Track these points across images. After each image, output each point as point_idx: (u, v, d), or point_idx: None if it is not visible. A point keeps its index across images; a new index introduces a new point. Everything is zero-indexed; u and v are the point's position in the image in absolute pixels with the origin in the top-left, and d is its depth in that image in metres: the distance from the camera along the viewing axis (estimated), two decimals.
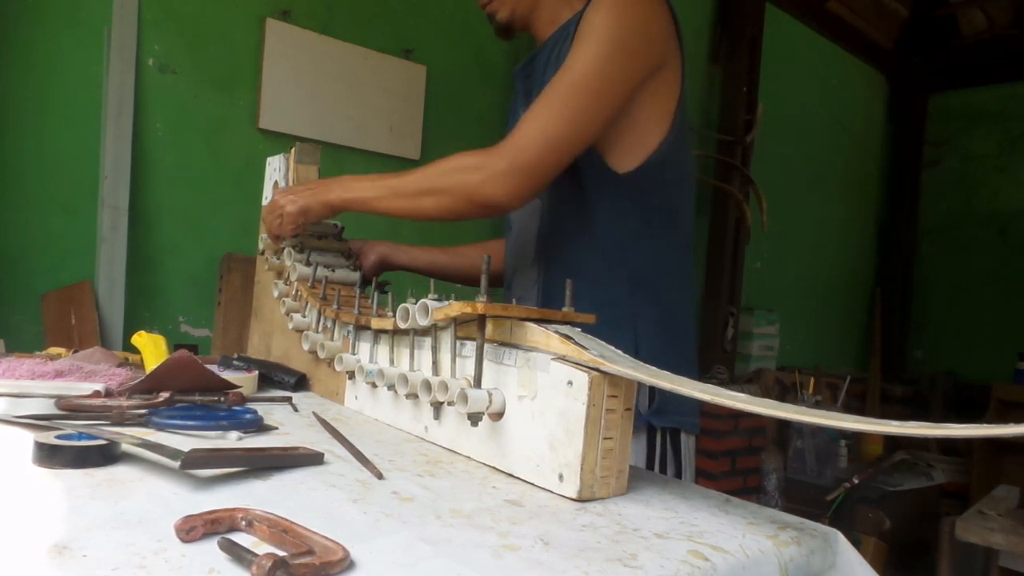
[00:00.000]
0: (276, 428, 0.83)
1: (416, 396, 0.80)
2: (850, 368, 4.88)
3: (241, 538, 0.48)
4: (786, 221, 4.45)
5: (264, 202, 1.30)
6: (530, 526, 0.56)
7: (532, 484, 0.68)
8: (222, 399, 0.89)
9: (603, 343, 0.69)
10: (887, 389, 4.98)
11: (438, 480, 0.67)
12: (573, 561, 0.50)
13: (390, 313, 0.88)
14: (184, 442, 0.71)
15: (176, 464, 0.59)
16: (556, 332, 0.68)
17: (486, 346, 0.72)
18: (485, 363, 0.72)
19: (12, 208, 2.02)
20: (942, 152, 5.49)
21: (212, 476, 0.62)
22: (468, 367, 0.74)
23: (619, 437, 0.65)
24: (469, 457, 0.76)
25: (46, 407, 0.83)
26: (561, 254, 1.10)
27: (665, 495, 0.68)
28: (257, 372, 1.06)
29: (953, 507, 3.29)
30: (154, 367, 0.91)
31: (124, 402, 0.83)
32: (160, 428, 0.77)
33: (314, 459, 0.69)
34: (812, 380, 3.81)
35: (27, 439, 0.66)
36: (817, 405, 3.32)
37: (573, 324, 0.73)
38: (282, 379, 1.09)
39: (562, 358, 0.66)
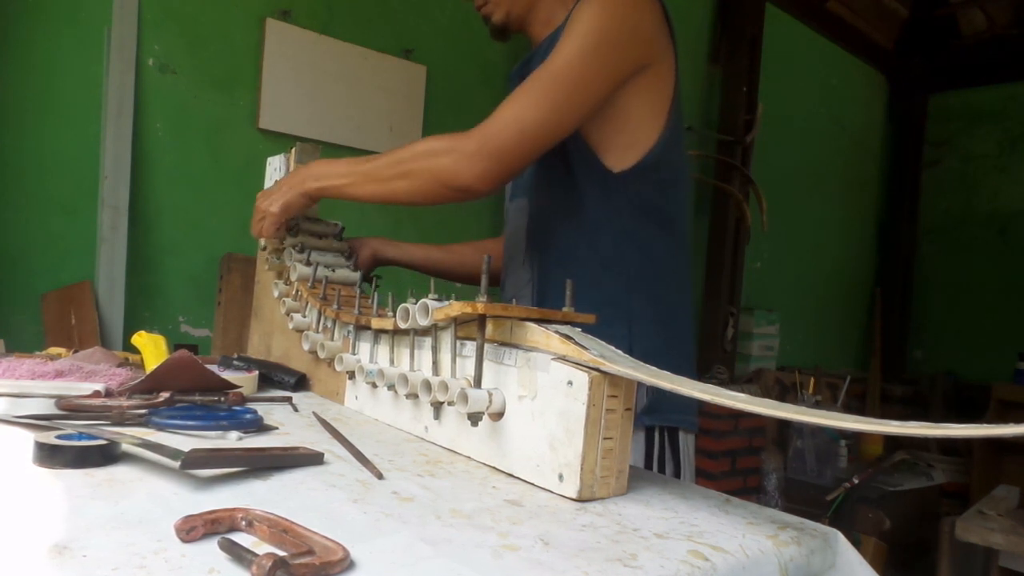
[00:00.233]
0: (276, 428, 0.83)
1: (416, 396, 0.80)
2: (850, 368, 4.88)
3: (241, 538, 0.48)
4: (786, 221, 4.45)
5: None
6: (530, 526, 0.56)
7: (532, 484, 0.68)
8: (222, 399, 0.89)
9: (603, 343, 0.69)
10: (887, 389, 4.98)
11: (438, 480, 0.67)
12: (573, 561, 0.50)
13: (390, 313, 0.88)
14: (184, 442, 0.71)
15: (176, 464, 0.59)
16: (556, 332, 0.68)
17: (486, 346, 0.72)
18: (485, 363, 0.72)
19: (12, 208, 2.02)
20: (942, 152, 5.49)
21: (212, 476, 0.62)
22: (468, 367, 0.74)
23: (619, 437, 0.65)
24: (469, 457, 0.76)
25: (46, 407, 0.83)
26: (555, 253, 1.10)
27: (665, 495, 0.68)
28: (257, 372, 1.05)
29: (953, 507, 3.29)
30: (154, 367, 0.91)
31: (124, 402, 0.83)
32: (160, 428, 0.77)
33: (314, 459, 0.69)
34: (812, 380, 3.81)
35: (27, 439, 0.66)
36: (817, 405, 3.32)
37: (573, 324, 0.73)
38: (282, 379, 1.09)
39: (562, 358, 0.66)
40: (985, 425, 0.46)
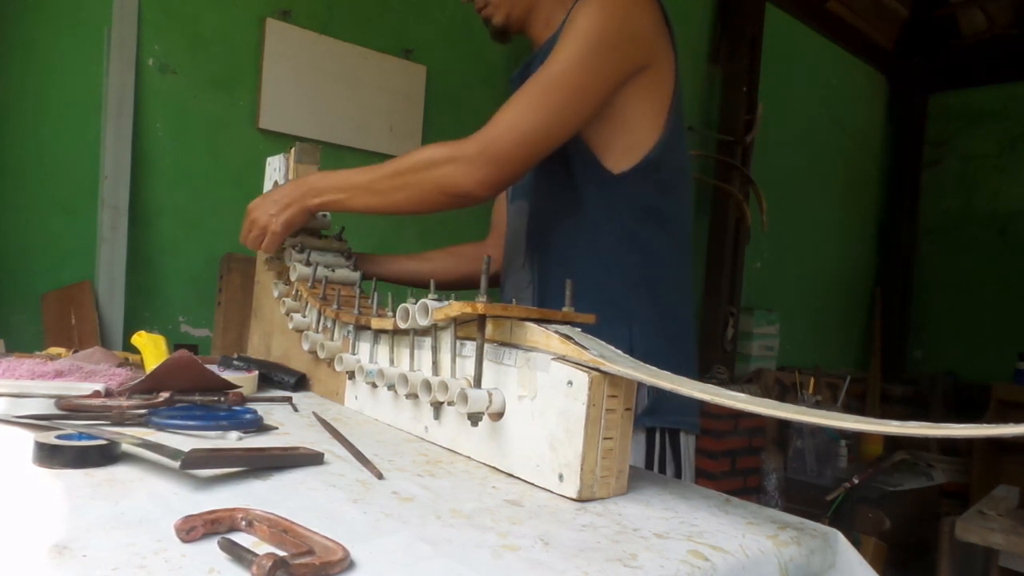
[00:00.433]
0: (276, 428, 0.83)
1: (416, 396, 0.80)
2: (850, 368, 4.88)
3: (241, 538, 0.48)
4: (786, 221, 4.45)
5: None
6: (530, 526, 0.56)
7: (532, 484, 0.68)
8: (222, 399, 0.89)
9: (603, 343, 0.69)
10: (887, 389, 4.98)
11: (438, 480, 0.67)
12: (573, 561, 0.50)
13: (390, 313, 0.88)
14: (184, 442, 0.71)
15: (176, 464, 0.59)
16: (556, 332, 0.68)
17: (486, 346, 0.72)
18: (485, 363, 0.72)
19: (12, 208, 2.02)
20: (942, 152, 5.49)
21: (212, 476, 0.62)
22: (468, 367, 0.74)
23: (619, 437, 0.65)
24: (469, 457, 0.76)
25: (46, 407, 0.83)
26: (555, 255, 1.10)
27: (665, 495, 0.68)
28: (257, 372, 1.05)
29: (953, 507, 3.29)
30: (154, 367, 0.91)
31: (124, 402, 0.83)
32: (160, 428, 0.77)
33: (314, 459, 0.69)
34: (812, 380, 3.82)
35: (27, 439, 0.66)
36: (817, 405, 3.32)
37: (573, 324, 0.73)
38: (282, 379, 1.09)
39: (562, 358, 0.66)
40: (985, 425, 0.46)
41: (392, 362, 0.89)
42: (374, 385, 0.89)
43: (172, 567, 0.44)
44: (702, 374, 3.58)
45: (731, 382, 3.74)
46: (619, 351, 0.69)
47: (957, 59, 5.25)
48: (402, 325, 0.81)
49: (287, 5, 2.49)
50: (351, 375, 0.96)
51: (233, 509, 0.51)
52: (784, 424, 3.41)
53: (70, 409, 0.81)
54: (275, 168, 1.27)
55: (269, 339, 1.24)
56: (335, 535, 0.48)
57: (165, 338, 1.09)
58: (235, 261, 2.30)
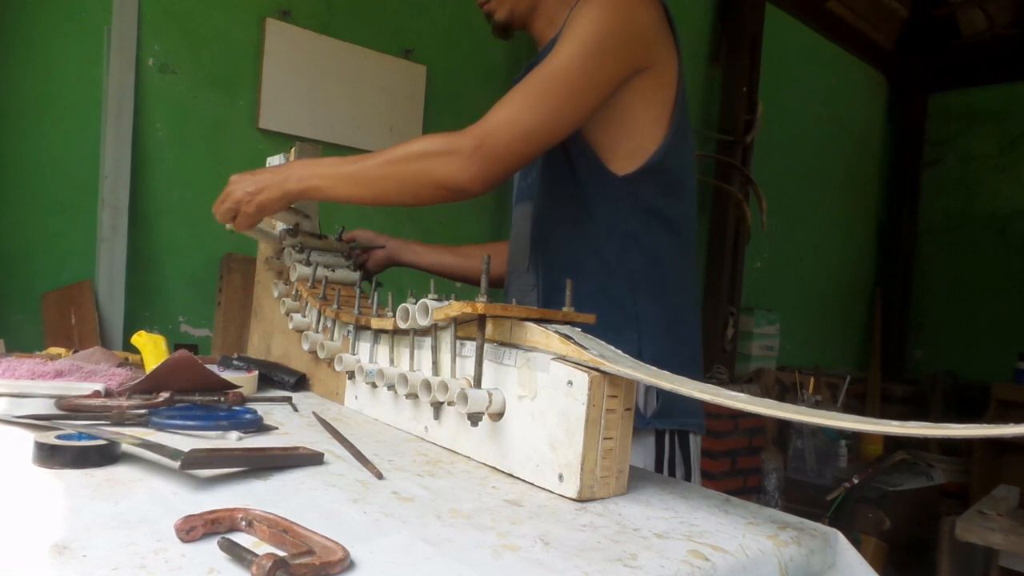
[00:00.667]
0: (276, 428, 0.83)
1: (416, 396, 0.80)
2: (850, 368, 4.88)
3: (241, 538, 0.48)
4: (786, 221, 4.45)
5: None
6: (530, 526, 0.56)
7: (532, 484, 0.68)
8: (222, 399, 0.89)
9: (603, 343, 0.69)
10: (887, 389, 4.98)
11: (438, 480, 0.67)
12: (573, 561, 0.50)
13: (390, 313, 0.88)
14: (184, 442, 0.71)
15: (176, 464, 0.59)
16: (556, 332, 0.68)
17: (486, 346, 0.72)
18: (485, 363, 0.72)
19: (12, 208, 2.02)
20: (942, 152, 5.49)
21: (212, 476, 0.62)
22: (468, 367, 0.74)
23: (619, 437, 0.65)
24: (469, 457, 0.76)
25: (46, 407, 0.83)
26: (559, 258, 1.10)
27: (665, 495, 0.68)
28: (257, 372, 1.06)
29: (953, 507, 3.29)
30: (154, 367, 0.91)
31: (124, 402, 0.83)
32: (160, 428, 0.77)
33: (314, 459, 0.69)
34: (812, 380, 3.81)
35: (27, 439, 0.66)
36: (817, 405, 3.32)
37: (573, 324, 0.73)
38: (282, 379, 1.09)
39: (562, 358, 0.66)
40: (985, 425, 0.46)
41: (392, 362, 0.89)
42: (374, 385, 0.89)
43: (172, 567, 0.44)
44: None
45: (731, 382, 3.74)
46: (619, 351, 0.69)
47: (957, 59, 5.25)
48: (402, 325, 0.81)
49: (287, 5, 2.49)
50: (351, 375, 0.96)
51: (233, 509, 0.51)
52: (784, 424, 3.41)
53: (70, 409, 0.81)
54: None
55: (269, 339, 1.24)
56: (335, 535, 0.48)
57: (165, 338, 1.09)
58: (235, 261, 2.30)
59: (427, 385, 0.77)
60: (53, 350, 1.19)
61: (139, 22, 2.18)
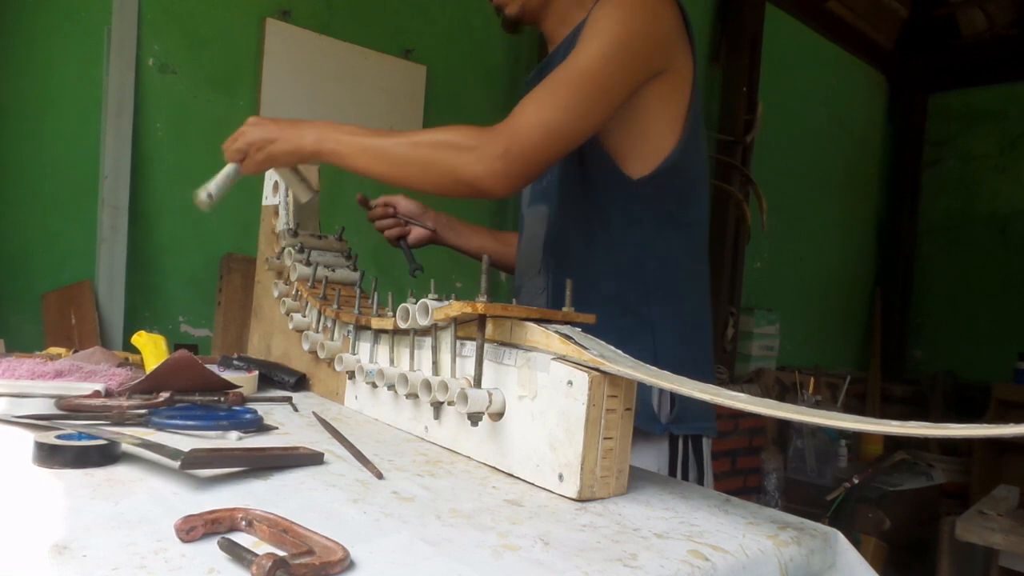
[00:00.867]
0: (276, 428, 0.83)
1: (416, 396, 0.80)
2: (850, 368, 4.88)
3: (241, 538, 0.48)
4: (786, 221, 4.45)
5: (264, 202, 1.30)
6: (530, 526, 0.56)
7: (532, 484, 0.68)
8: (222, 399, 0.89)
9: (603, 343, 0.69)
10: (887, 389, 4.98)
11: (438, 480, 0.67)
12: (573, 561, 0.50)
13: (390, 313, 0.88)
14: (184, 442, 0.71)
15: (176, 464, 0.59)
16: (556, 332, 0.68)
17: (486, 346, 0.72)
18: (485, 363, 0.72)
19: (12, 208, 2.02)
20: (942, 152, 5.48)
21: (212, 476, 0.62)
22: (468, 367, 0.74)
23: (619, 437, 0.65)
24: (469, 457, 0.76)
25: (46, 407, 0.83)
26: (572, 262, 1.08)
27: (665, 495, 0.68)
28: (257, 372, 1.06)
29: (953, 507, 3.29)
30: (154, 367, 0.91)
31: (124, 402, 0.83)
32: (160, 428, 0.77)
33: (314, 459, 0.69)
34: (812, 380, 3.81)
35: (27, 439, 0.66)
36: (817, 405, 3.32)
37: (573, 324, 0.73)
38: (282, 379, 1.09)
39: (562, 358, 0.66)
40: (985, 425, 0.46)
41: (392, 362, 0.89)
42: (374, 385, 0.89)
43: (172, 567, 0.44)
44: None
45: (731, 382, 3.74)
46: (619, 351, 0.69)
47: (957, 59, 5.25)
48: (402, 325, 0.81)
49: (287, 5, 2.49)
50: (351, 375, 0.96)
51: (233, 509, 0.51)
52: (784, 424, 3.41)
53: (70, 409, 0.81)
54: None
55: (269, 339, 1.24)
56: (335, 535, 0.48)
57: (165, 338, 1.09)
58: (235, 261, 2.30)
59: (427, 385, 0.77)
60: (53, 350, 1.19)
61: (139, 22, 2.18)
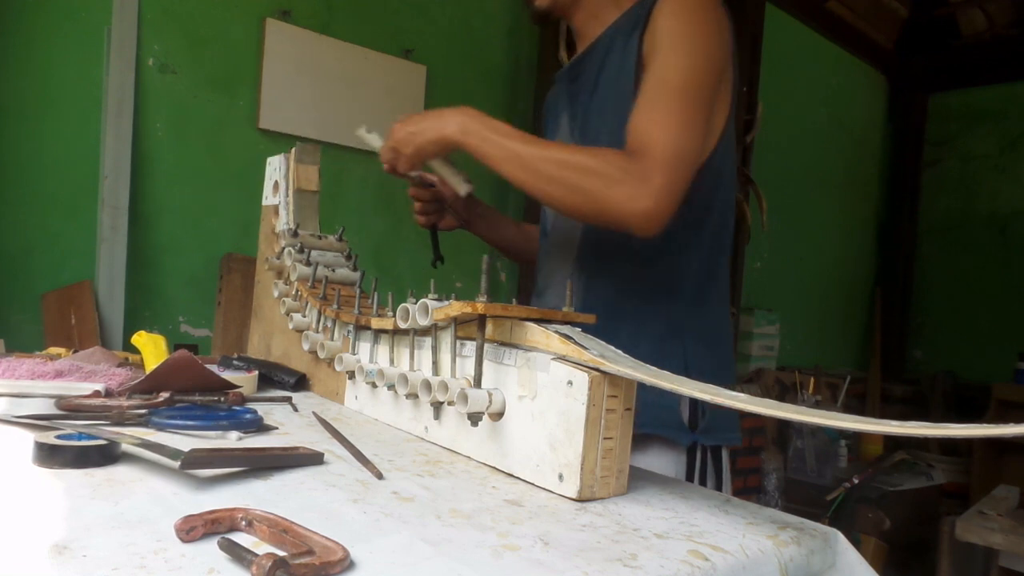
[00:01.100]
0: (276, 428, 0.83)
1: (416, 396, 0.80)
2: (850, 368, 4.88)
3: (241, 538, 0.48)
4: (786, 221, 4.44)
5: (264, 202, 1.30)
6: (530, 526, 0.56)
7: (532, 484, 0.68)
8: (222, 399, 0.89)
9: (603, 343, 0.69)
10: (887, 389, 4.98)
11: (438, 480, 0.67)
12: (573, 561, 0.50)
13: (390, 313, 0.88)
14: (184, 442, 0.71)
15: (176, 464, 0.59)
16: (556, 332, 0.68)
17: (486, 346, 0.72)
18: (485, 363, 0.72)
19: (12, 208, 2.02)
20: (942, 152, 5.48)
21: (212, 476, 0.62)
22: (468, 367, 0.74)
23: (619, 437, 0.65)
24: (469, 457, 0.76)
25: (46, 407, 0.83)
26: (605, 267, 1.06)
27: (665, 495, 0.68)
28: (257, 372, 1.06)
29: (953, 507, 3.29)
30: (154, 367, 0.91)
31: (124, 402, 0.83)
32: (160, 428, 0.77)
33: (314, 459, 0.69)
34: (812, 380, 3.81)
35: (27, 439, 0.66)
36: (817, 405, 3.32)
37: (573, 324, 0.73)
38: (282, 379, 1.09)
39: (562, 358, 0.66)
40: (985, 425, 0.46)
41: (392, 362, 0.89)
42: (374, 385, 0.89)
43: (172, 567, 0.44)
44: None
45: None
46: (619, 352, 0.69)
47: (957, 59, 5.25)
48: (402, 325, 0.81)
49: (287, 5, 2.49)
50: (351, 375, 0.96)
51: (233, 509, 0.51)
52: (784, 424, 3.41)
53: (70, 409, 0.81)
54: (275, 168, 1.27)
55: (269, 339, 1.24)
56: (335, 535, 0.48)
57: (165, 338, 1.09)
58: (235, 261, 2.30)
59: (427, 385, 0.77)
60: (53, 350, 1.19)
61: (139, 22, 2.18)
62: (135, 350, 1.11)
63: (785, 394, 3.77)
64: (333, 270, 1.12)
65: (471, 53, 3.02)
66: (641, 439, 0.99)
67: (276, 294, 1.17)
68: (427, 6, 2.88)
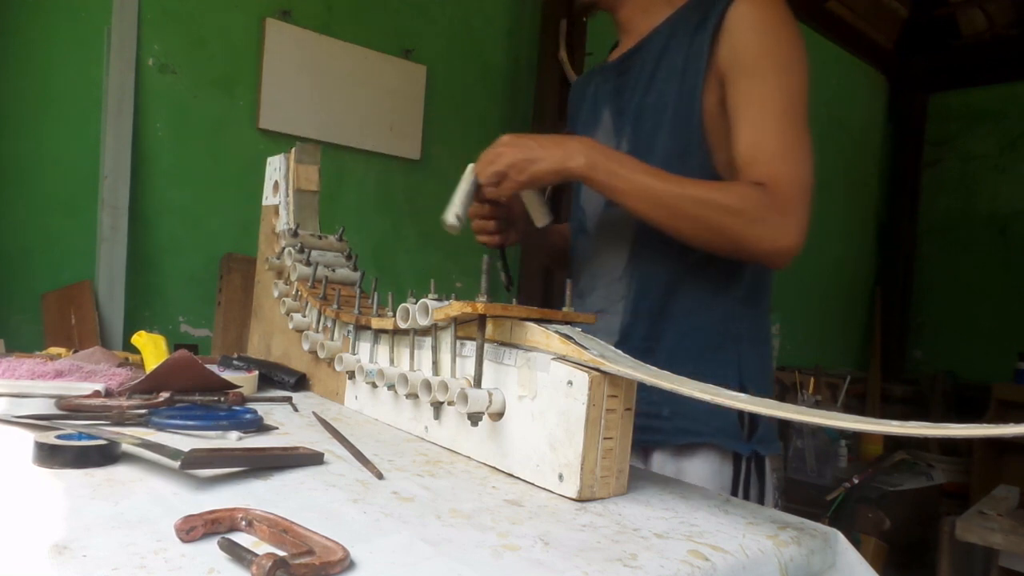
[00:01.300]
0: (276, 428, 0.83)
1: (416, 396, 0.80)
2: (850, 368, 4.88)
3: (241, 538, 0.48)
4: None
5: (264, 202, 1.30)
6: (530, 526, 0.56)
7: (532, 484, 0.68)
8: (222, 399, 0.89)
9: (603, 343, 0.69)
10: (887, 389, 4.98)
11: (438, 480, 0.67)
12: (573, 561, 0.50)
13: (390, 313, 0.88)
14: (184, 442, 0.71)
15: (176, 464, 0.59)
16: (556, 332, 0.68)
17: (486, 346, 0.72)
18: (485, 363, 0.72)
19: (12, 208, 2.02)
20: (942, 152, 5.48)
21: (212, 476, 0.62)
22: (468, 367, 0.74)
23: (619, 437, 0.65)
24: (469, 457, 0.76)
25: (46, 407, 0.83)
26: (658, 272, 1.04)
27: (665, 495, 0.68)
28: (257, 372, 1.06)
29: (953, 507, 3.29)
30: (154, 367, 0.91)
31: (124, 402, 0.83)
32: (160, 428, 0.77)
33: (314, 459, 0.69)
34: (812, 380, 3.81)
35: (27, 439, 0.66)
36: (817, 405, 3.32)
37: (573, 324, 0.73)
38: (282, 379, 1.09)
39: (562, 358, 0.66)
40: (985, 425, 0.46)
41: (392, 362, 0.89)
42: (374, 385, 0.89)
43: (172, 567, 0.44)
44: None
45: None
46: (619, 352, 0.69)
47: (957, 59, 5.25)
48: (402, 325, 0.81)
49: (287, 5, 2.49)
50: (351, 375, 0.96)
51: (233, 509, 0.51)
52: (784, 424, 3.41)
53: (70, 409, 0.81)
54: (275, 168, 1.27)
55: (269, 339, 1.24)
56: (335, 535, 0.48)
57: (165, 338, 1.09)
58: (235, 261, 2.30)
59: (427, 385, 0.77)
60: (53, 350, 1.19)
61: (139, 22, 2.18)
62: (135, 350, 1.11)
63: (785, 394, 3.77)
64: (333, 270, 1.12)
65: (471, 53, 3.02)
66: (688, 446, 0.98)
67: (276, 294, 1.17)
68: (427, 6, 2.88)
